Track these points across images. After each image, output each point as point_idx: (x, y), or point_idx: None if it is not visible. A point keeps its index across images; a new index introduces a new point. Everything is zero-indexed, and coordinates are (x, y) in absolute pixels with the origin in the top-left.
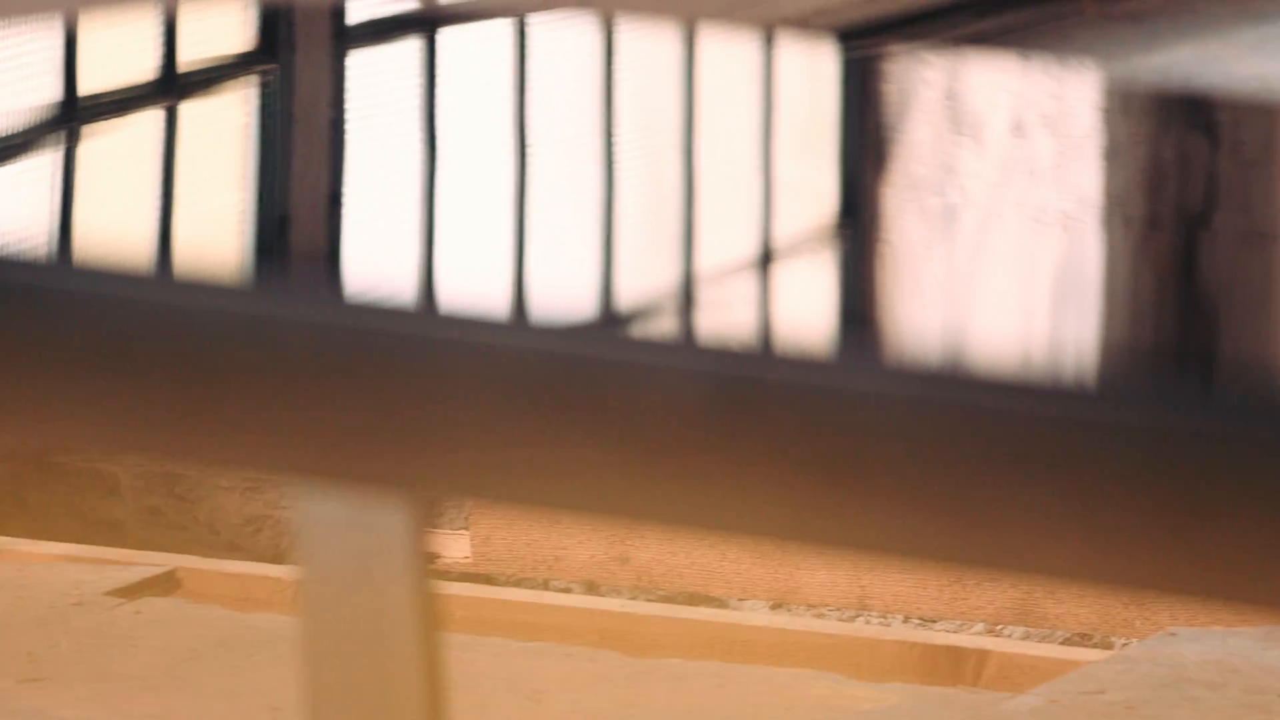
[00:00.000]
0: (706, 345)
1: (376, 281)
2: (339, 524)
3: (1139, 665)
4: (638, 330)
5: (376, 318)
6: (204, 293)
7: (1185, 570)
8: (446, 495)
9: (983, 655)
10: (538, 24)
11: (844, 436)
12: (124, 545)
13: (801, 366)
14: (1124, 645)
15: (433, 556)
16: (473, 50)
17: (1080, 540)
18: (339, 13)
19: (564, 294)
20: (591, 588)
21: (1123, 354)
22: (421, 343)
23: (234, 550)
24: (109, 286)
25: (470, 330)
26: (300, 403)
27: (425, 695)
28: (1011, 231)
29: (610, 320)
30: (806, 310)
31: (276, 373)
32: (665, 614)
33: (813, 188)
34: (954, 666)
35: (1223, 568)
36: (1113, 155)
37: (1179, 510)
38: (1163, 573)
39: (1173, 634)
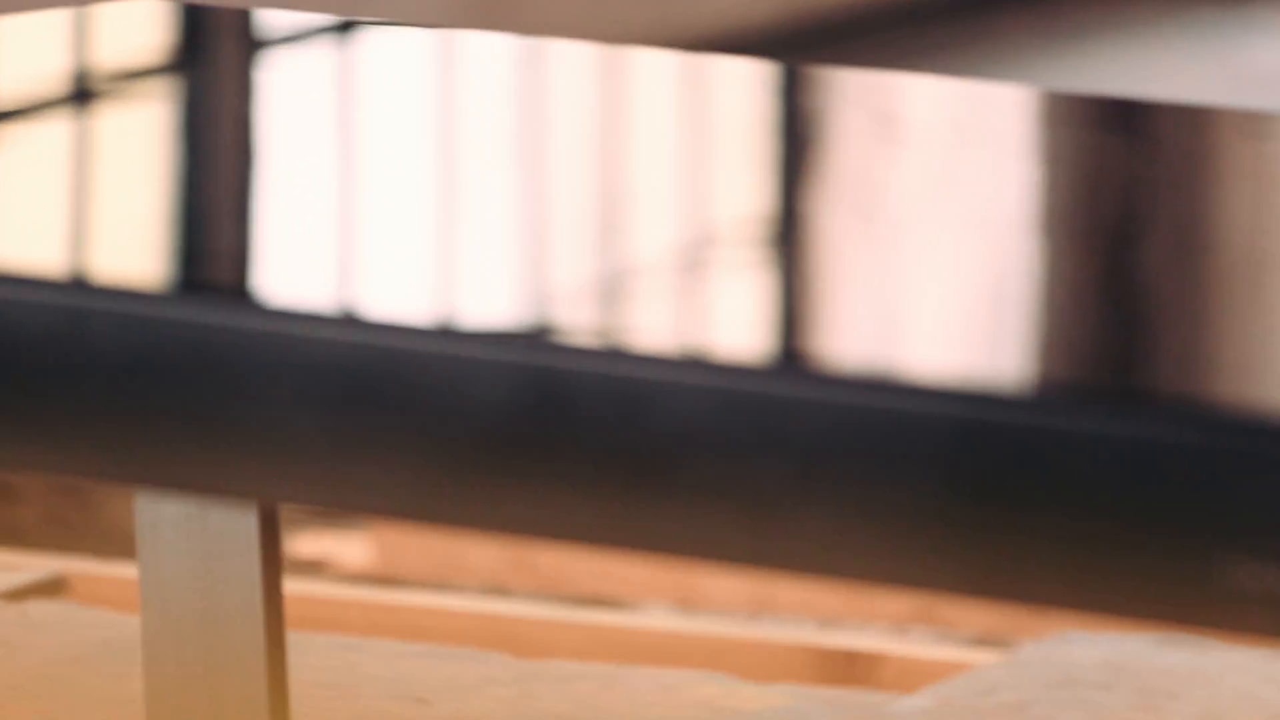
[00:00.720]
0: (529, 340)
1: (286, 286)
2: (180, 524)
3: (1031, 667)
4: (460, 327)
5: (199, 314)
6: (22, 288)
7: (987, 574)
8: (271, 502)
9: (880, 657)
10: (462, 37)
11: (656, 436)
12: (23, 549)
13: (624, 364)
14: (1018, 648)
15: (322, 559)
16: (394, 60)
17: (882, 544)
18: (258, 19)
19: (475, 299)
20: (494, 591)
21: (1052, 362)
22: (240, 342)
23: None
24: None
25: (287, 326)
26: (119, 406)
27: (264, 698)
28: (943, 243)
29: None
30: (729, 319)
31: (96, 375)
32: (557, 616)
33: (741, 201)
34: (851, 668)
35: (1030, 573)
36: (1046, 166)
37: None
38: (965, 576)
39: (1067, 637)
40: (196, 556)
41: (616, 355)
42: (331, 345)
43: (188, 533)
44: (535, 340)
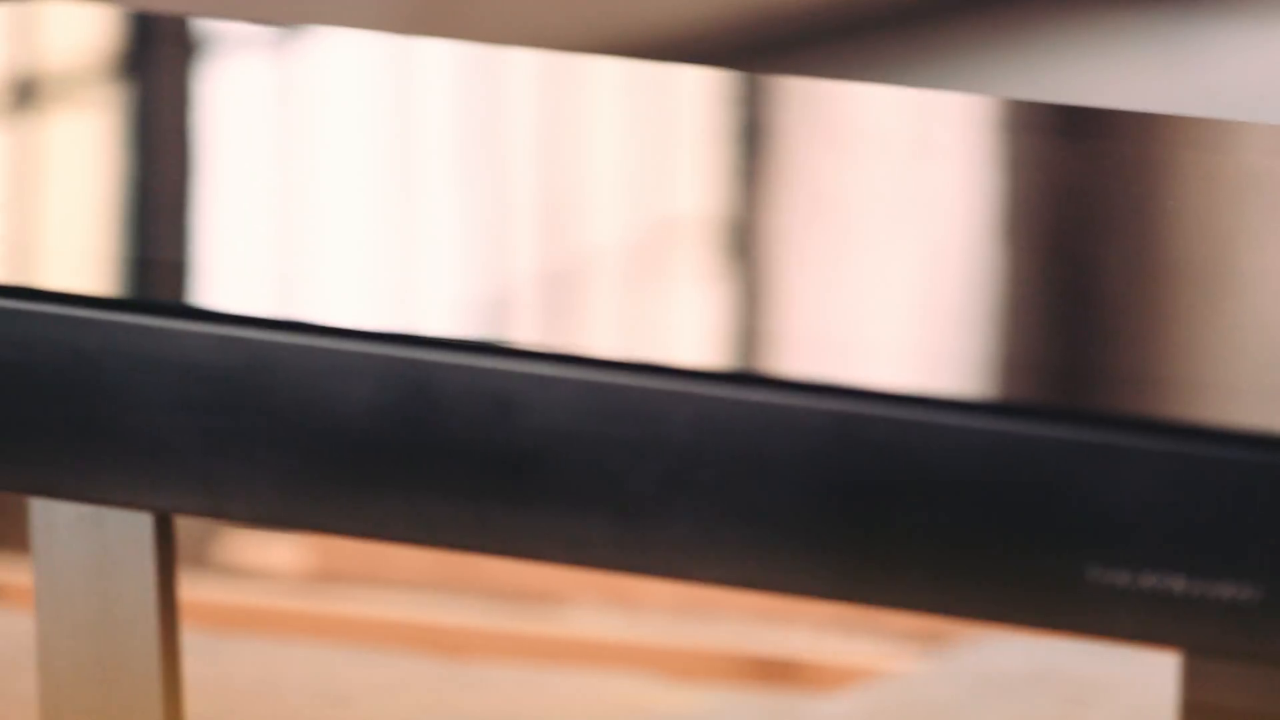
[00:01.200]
0: (398, 340)
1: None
2: (74, 527)
3: (958, 670)
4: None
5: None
6: None
7: (856, 578)
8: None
9: (809, 660)
10: (399, 43)
11: (525, 438)
12: None
13: (494, 364)
14: (946, 651)
15: (257, 562)
16: (332, 66)
17: (751, 547)
18: (199, 23)
19: (411, 308)
20: (425, 590)
21: (1009, 371)
22: (118, 345)
23: None
24: None
25: (159, 326)
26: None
27: (159, 701)
28: (901, 253)
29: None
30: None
31: None
32: (487, 617)
33: (691, 209)
34: (779, 671)
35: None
36: (1003, 176)
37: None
38: (835, 580)
39: (995, 641)
40: (92, 558)
41: (486, 355)
42: (202, 346)
43: (83, 535)
44: (404, 339)
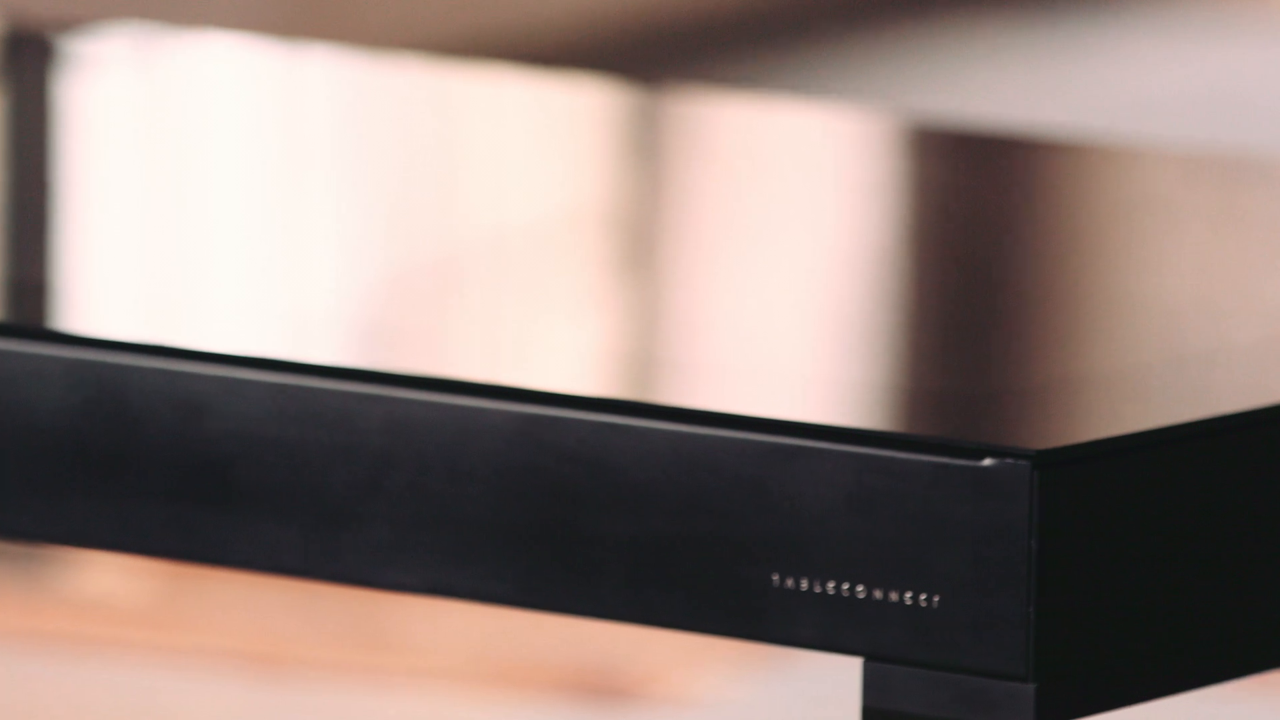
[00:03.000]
0: (85, 341)
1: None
2: None
3: (795, 688)
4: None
5: None
6: None
7: (549, 586)
8: None
9: (642, 674)
10: (285, 53)
11: (216, 442)
12: None
13: (184, 366)
14: (785, 669)
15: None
16: (212, 77)
17: (444, 555)
18: (67, 37)
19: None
20: (258, 603)
21: (897, 395)
22: None
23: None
24: None
25: None
26: None
27: None
28: (791, 274)
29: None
30: (377, 333)
31: None
32: (306, 623)
33: (582, 229)
34: (609, 684)
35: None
36: (895, 196)
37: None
38: (528, 588)
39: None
40: None
41: (176, 358)
42: None
43: None
44: (91, 341)
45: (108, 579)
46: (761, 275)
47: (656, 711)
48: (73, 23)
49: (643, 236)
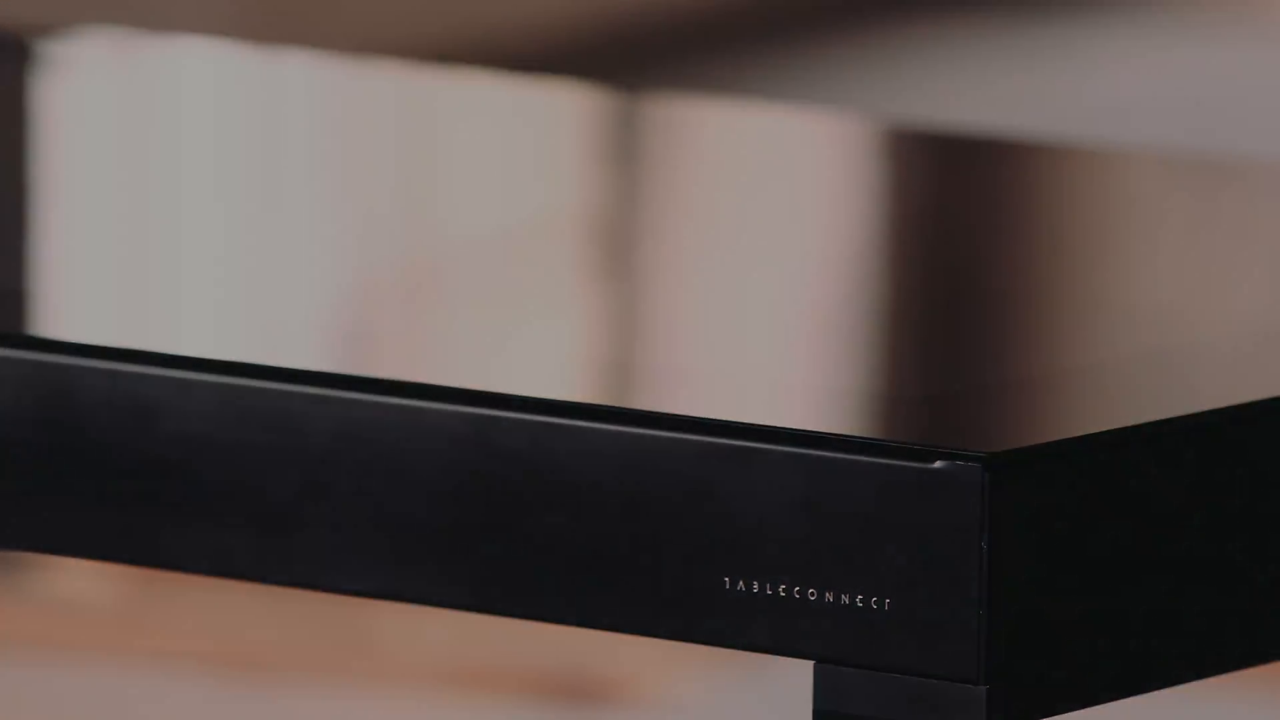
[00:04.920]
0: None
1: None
2: None
3: (766, 691)
4: None
5: None
6: None
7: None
8: None
9: (623, 679)
10: (262, 57)
11: (163, 444)
12: None
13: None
14: (758, 672)
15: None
16: (188, 81)
17: (389, 557)
18: (42, 40)
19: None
20: (229, 606)
21: (857, 398)
22: None
23: None
24: None
25: None
26: None
27: None
28: (768, 279)
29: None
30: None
31: None
32: (278, 626)
33: (559, 233)
34: (580, 687)
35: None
36: (871, 200)
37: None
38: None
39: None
40: None
41: (125, 360)
42: None
43: None
44: (41, 343)
45: (78, 582)
46: (738, 280)
47: (631, 714)
48: (47, 26)
49: (620, 241)
